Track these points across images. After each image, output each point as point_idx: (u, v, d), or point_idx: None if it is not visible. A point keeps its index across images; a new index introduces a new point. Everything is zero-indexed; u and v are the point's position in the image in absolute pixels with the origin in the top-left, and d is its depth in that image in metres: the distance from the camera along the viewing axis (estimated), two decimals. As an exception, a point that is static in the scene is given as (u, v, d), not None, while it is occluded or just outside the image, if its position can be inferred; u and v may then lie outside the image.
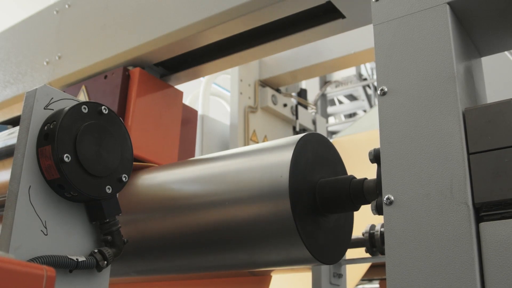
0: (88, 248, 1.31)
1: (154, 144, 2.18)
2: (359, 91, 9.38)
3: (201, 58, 2.32)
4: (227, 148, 3.84)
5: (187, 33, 2.06)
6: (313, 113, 4.55)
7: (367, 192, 1.45)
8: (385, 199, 1.21)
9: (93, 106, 1.34)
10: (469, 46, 1.41)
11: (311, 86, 6.04)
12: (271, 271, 2.01)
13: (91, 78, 2.33)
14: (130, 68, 2.23)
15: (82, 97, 2.28)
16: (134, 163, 1.45)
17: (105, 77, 2.25)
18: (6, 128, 2.65)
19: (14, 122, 2.93)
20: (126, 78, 2.20)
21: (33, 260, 1.16)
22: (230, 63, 2.38)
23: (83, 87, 2.31)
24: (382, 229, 1.82)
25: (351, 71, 8.82)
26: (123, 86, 2.17)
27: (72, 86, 2.41)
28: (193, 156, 2.51)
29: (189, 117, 2.53)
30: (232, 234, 1.52)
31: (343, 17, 1.92)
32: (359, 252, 1.99)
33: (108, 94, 2.18)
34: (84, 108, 1.31)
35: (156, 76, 2.34)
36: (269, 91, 3.99)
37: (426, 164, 1.18)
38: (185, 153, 2.41)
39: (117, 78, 2.20)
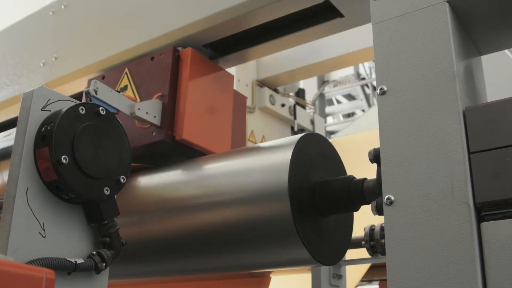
0: (86, 250, 1.31)
1: (208, 131, 2.00)
2: (357, 91, 9.40)
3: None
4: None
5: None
6: (311, 113, 4.55)
7: (367, 192, 1.45)
8: (385, 199, 1.21)
9: (91, 107, 1.33)
10: (468, 44, 1.40)
11: (309, 86, 6.05)
12: (270, 272, 2.01)
13: (135, 61, 2.14)
14: (179, 48, 2.06)
15: (126, 80, 2.11)
16: (132, 164, 1.44)
17: (152, 58, 2.06)
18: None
19: (11, 124, 2.91)
20: (176, 59, 2.00)
21: (32, 262, 1.16)
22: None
23: (126, 70, 2.12)
24: (382, 230, 1.82)
25: (349, 71, 8.83)
26: (173, 67, 1.98)
27: (112, 70, 2.23)
28: (244, 144, 2.35)
29: (239, 103, 2.35)
30: (231, 235, 1.51)
31: (341, 16, 1.92)
32: (359, 253, 1.98)
33: (156, 77, 2.00)
34: (82, 109, 1.30)
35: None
36: (267, 91, 3.98)
37: (426, 164, 1.18)
38: (236, 140, 2.23)
39: (166, 59, 2.00)
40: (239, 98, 2.37)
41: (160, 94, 1.93)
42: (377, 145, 1.29)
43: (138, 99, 1.98)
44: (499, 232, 1.07)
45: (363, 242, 1.85)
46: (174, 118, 1.91)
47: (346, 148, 3.47)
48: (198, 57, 2.04)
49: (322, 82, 7.06)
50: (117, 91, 1.60)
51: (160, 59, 2.02)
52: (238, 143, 2.25)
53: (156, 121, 1.87)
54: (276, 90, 4.14)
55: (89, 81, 2.24)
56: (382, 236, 1.80)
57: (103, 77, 2.21)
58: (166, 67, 1.98)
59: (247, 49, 2.19)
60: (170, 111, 1.91)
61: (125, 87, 2.09)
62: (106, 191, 1.31)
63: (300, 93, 4.51)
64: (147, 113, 1.83)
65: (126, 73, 2.12)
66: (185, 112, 1.91)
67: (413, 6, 1.31)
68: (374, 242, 1.82)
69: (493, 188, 1.10)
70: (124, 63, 2.20)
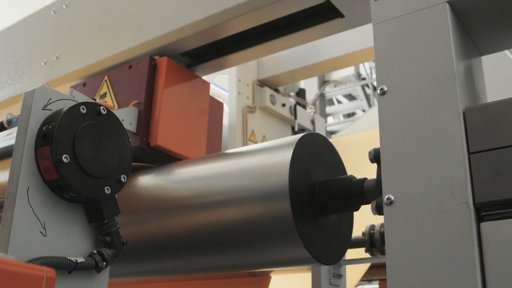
0: (87, 249, 1.31)
1: (183, 137, 2.08)
2: (358, 91, 9.39)
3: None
4: (225, 148, 3.83)
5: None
6: (312, 113, 4.55)
7: (367, 192, 1.45)
8: (385, 199, 1.21)
9: (92, 106, 1.33)
10: (469, 45, 1.41)
11: (310, 86, 6.04)
12: (270, 271, 2.01)
13: (114, 69, 2.22)
14: (156, 57, 2.15)
15: (105, 88, 2.18)
16: (132, 163, 1.44)
17: (130, 67, 2.14)
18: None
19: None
20: (153, 68, 2.09)
21: (32, 261, 1.16)
22: (234, 61, 2.34)
23: (106, 78, 2.21)
24: (382, 229, 1.82)
25: (349, 71, 8.83)
26: (150, 75, 2.07)
27: (93, 78, 2.31)
28: (220, 149, 2.43)
29: (215, 109, 2.42)
30: (231, 234, 1.52)
31: (342, 16, 1.92)
32: (359, 253, 1.98)
33: (134, 84, 2.08)
34: (83, 108, 1.30)
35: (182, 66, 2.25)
36: (268, 91, 3.98)
37: (426, 164, 1.18)
38: (212, 146, 2.32)
39: (143, 68, 2.09)
40: (216, 105, 2.45)
41: (136, 101, 2.01)
42: (377, 145, 1.30)
43: (116, 106, 2.05)
44: (499, 232, 1.07)
45: (363, 241, 1.85)
46: (150, 125, 2.00)
47: (346, 148, 3.47)
48: (174, 66, 2.13)
49: (323, 82, 7.06)
50: (93, 99, 1.63)
51: (138, 68, 2.11)
52: (214, 149, 2.34)
53: (132, 128, 1.96)
54: (276, 90, 4.13)
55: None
56: (382, 236, 1.80)
57: (84, 84, 2.30)
58: (143, 75, 2.07)
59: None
60: (146, 118, 2.00)
61: (105, 94, 2.17)
62: (107, 190, 1.31)
63: (301, 93, 4.50)
64: (123, 120, 1.91)
65: (105, 81, 2.21)
66: (160, 119, 2.00)
67: (413, 7, 1.32)
68: (374, 242, 1.83)
69: (492, 188, 1.10)
70: (110, 68, 2.28)
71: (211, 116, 2.32)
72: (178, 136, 2.06)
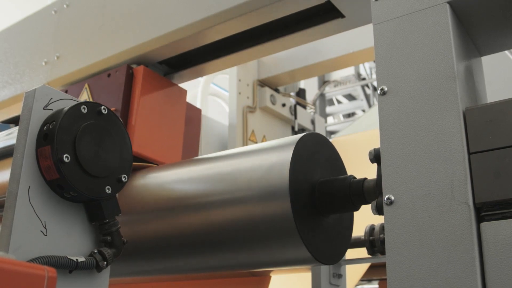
0: (87, 248, 1.31)
1: (158, 143, 2.16)
2: (357, 91, 9.40)
3: (204, 56, 2.30)
4: (225, 148, 3.84)
5: (190, 31, 2.05)
6: (312, 113, 4.55)
7: (367, 192, 1.45)
8: (385, 199, 1.21)
9: (93, 106, 1.33)
10: (469, 45, 1.41)
11: (310, 86, 6.05)
12: (270, 271, 2.01)
13: (94, 77, 2.31)
14: (134, 66, 2.22)
15: (85, 95, 2.25)
16: (133, 163, 1.45)
17: (109, 75, 2.23)
18: (9, 127, 2.65)
19: (15, 121, 2.93)
20: (130, 76, 2.18)
21: (33, 260, 1.16)
22: (231, 62, 2.37)
23: (86, 86, 2.29)
24: (381, 236, 1.82)
25: (349, 71, 8.83)
26: (127, 84, 2.16)
27: (74, 85, 2.38)
28: (197, 155, 2.49)
29: (192, 115, 2.51)
30: (232, 234, 1.52)
31: (342, 16, 1.93)
32: (359, 252, 1.98)
33: (111, 92, 2.16)
34: (84, 108, 1.30)
35: (160, 74, 2.33)
36: (268, 91, 3.99)
37: (426, 164, 1.18)
38: (189, 152, 2.39)
39: (121, 76, 2.18)
40: (193, 112, 2.54)
41: (114, 109, 2.09)
42: (377, 145, 1.30)
43: None
44: (499, 232, 1.07)
45: (363, 241, 1.85)
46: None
47: (346, 148, 3.47)
48: (151, 74, 2.22)
49: (323, 82, 7.07)
50: None
51: (116, 76, 2.20)
52: (190, 154, 2.40)
53: None
54: (277, 90, 4.14)
55: None
56: (382, 236, 1.80)
57: (66, 92, 2.36)
58: (120, 83, 2.16)
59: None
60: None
61: None
62: (108, 190, 1.31)
63: (301, 93, 4.51)
64: None
65: (86, 88, 2.30)
66: (136, 126, 2.08)
67: (414, 7, 1.32)
68: (374, 241, 1.83)
69: (492, 188, 1.10)
70: (83, 78, 2.37)
71: (188, 122, 2.40)
72: (154, 142, 2.15)
